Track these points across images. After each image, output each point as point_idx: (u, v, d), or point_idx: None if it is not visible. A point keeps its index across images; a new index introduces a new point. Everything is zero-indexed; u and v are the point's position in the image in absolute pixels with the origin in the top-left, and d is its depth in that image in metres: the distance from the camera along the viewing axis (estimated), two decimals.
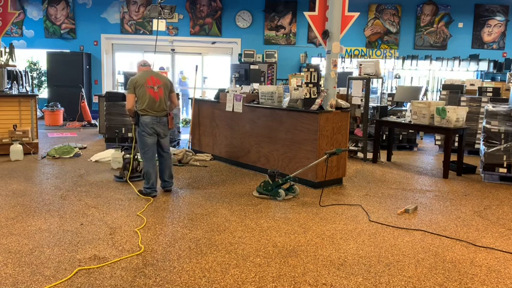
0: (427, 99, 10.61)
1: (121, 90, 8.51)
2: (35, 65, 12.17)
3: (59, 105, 10.90)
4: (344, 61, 11.27)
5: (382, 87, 8.53)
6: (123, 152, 6.31)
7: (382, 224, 4.21)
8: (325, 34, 5.65)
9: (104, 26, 12.08)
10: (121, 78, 8.77)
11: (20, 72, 7.70)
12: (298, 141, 5.53)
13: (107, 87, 12.12)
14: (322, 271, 3.17)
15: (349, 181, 5.87)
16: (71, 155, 6.95)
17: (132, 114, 4.86)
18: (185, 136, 8.62)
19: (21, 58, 11.08)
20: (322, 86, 5.74)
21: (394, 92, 9.41)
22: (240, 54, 11.47)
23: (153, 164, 4.88)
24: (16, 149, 6.60)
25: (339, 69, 8.91)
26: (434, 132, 7.39)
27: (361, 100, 7.28)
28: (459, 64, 11.32)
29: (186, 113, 12.29)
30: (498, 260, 3.45)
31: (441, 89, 8.57)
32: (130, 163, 5.45)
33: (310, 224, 4.16)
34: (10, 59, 7.63)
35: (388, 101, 8.84)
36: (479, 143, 7.60)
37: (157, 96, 4.78)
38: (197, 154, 7.08)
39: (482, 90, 7.86)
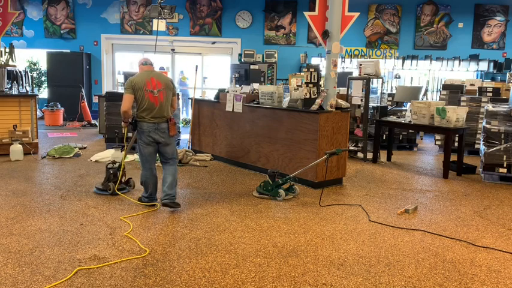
0: (427, 99, 10.61)
1: (121, 90, 8.51)
2: (35, 65, 12.17)
3: (59, 105, 10.90)
4: (344, 61, 11.27)
5: (382, 87, 8.53)
6: (123, 152, 6.31)
7: (382, 224, 4.21)
8: (325, 34, 5.64)
9: (104, 26, 12.09)
10: (121, 78, 8.77)
11: (20, 72, 7.70)
12: (298, 141, 5.53)
13: (106, 87, 12.12)
14: (322, 271, 3.17)
15: (349, 181, 5.87)
16: (71, 155, 6.95)
17: (128, 118, 4.36)
18: (185, 136, 8.62)
19: (21, 58, 11.08)
20: (322, 86, 5.74)
21: (394, 92, 9.41)
22: (240, 54, 11.47)
23: (151, 174, 4.47)
24: (16, 149, 6.60)
25: (339, 69, 8.91)
26: (434, 132, 7.39)
27: (361, 100, 7.28)
28: (459, 64, 11.33)
29: (186, 113, 12.29)
30: (498, 260, 3.45)
31: (441, 89, 8.58)
32: (115, 174, 4.91)
33: (310, 224, 4.16)
34: (10, 59, 7.63)
35: (388, 101, 8.84)
36: (479, 143, 7.60)
37: (157, 101, 4.29)
38: (197, 154, 7.09)
39: (482, 90, 7.86)
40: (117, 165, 4.98)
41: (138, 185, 4.94)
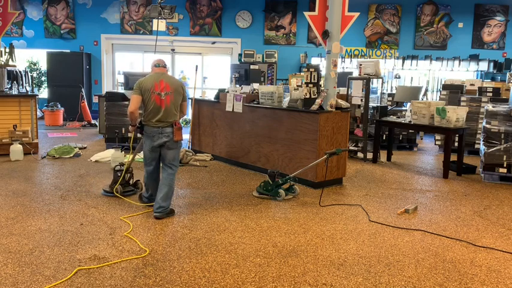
0: (427, 99, 10.61)
1: (121, 90, 8.51)
2: (35, 65, 12.17)
3: (59, 105, 10.89)
4: (344, 61, 11.27)
5: (382, 87, 8.52)
6: (123, 152, 6.31)
7: (382, 224, 4.21)
8: (325, 34, 5.64)
9: (104, 26, 12.08)
10: (121, 78, 8.76)
11: (20, 72, 7.70)
12: (298, 141, 5.53)
13: (106, 87, 12.12)
14: (322, 271, 3.17)
15: (349, 181, 5.87)
16: (71, 155, 6.95)
17: (136, 121, 4.28)
18: (185, 136, 8.61)
19: (21, 58, 11.07)
20: (322, 86, 5.74)
21: (394, 92, 9.41)
22: (240, 54, 11.47)
23: (151, 178, 4.45)
24: (16, 149, 6.59)
25: (339, 69, 8.91)
26: (434, 132, 7.39)
27: (361, 100, 7.28)
28: (459, 64, 11.32)
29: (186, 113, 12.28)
30: (498, 260, 3.45)
31: (441, 89, 8.58)
32: (121, 176, 4.85)
33: (310, 224, 4.16)
34: (10, 59, 7.63)
35: (388, 101, 8.84)
36: (479, 143, 7.60)
37: (163, 104, 4.16)
38: (197, 154, 7.09)
39: (482, 90, 7.86)
40: (124, 167, 4.93)
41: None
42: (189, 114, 11.56)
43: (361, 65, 7.34)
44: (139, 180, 5.12)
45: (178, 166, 4.47)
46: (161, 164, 4.42)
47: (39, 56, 12.11)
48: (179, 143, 4.34)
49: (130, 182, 5.01)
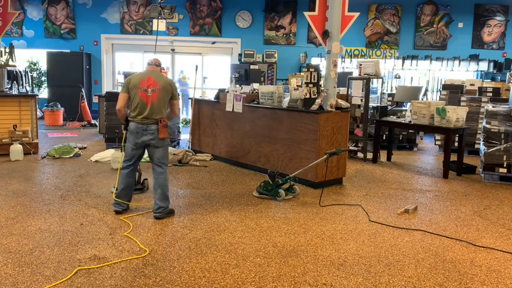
0: (427, 99, 10.61)
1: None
2: (35, 65, 12.17)
3: (59, 105, 10.90)
4: (344, 61, 11.27)
5: (382, 87, 8.53)
6: (122, 152, 6.30)
7: (382, 224, 4.21)
8: (325, 34, 5.64)
9: (104, 26, 12.09)
10: (121, 78, 8.77)
11: (20, 72, 7.70)
12: (298, 141, 5.53)
13: (106, 87, 12.13)
14: (322, 271, 3.17)
15: (349, 181, 5.87)
16: (71, 155, 6.95)
17: (123, 118, 4.28)
18: (185, 136, 8.62)
19: (21, 58, 11.07)
20: (322, 86, 5.74)
21: (394, 92, 9.41)
22: (240, 54, 11.47)
23: (124, 174, 4.32)
24: (16, 149, 6.59)
25: (339, 69, 8.91)
26: (434, 132, 7.39)
27: (361, 100, 7.28)
28: (459, 64, 11.33)
29: (186, 113, 12.29)
30: (498, 260, 3.45)
31: (441, 89, 8.58)
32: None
33: (310, 224, 4.16)
34: (10, 59, 7.63)
35: (388, 101, 8.84)
36: (479, 143, 7.60)
37: (149, 100, 4.11)
38: (197, 154, 7.09)
39: (482, 90, 7.86)
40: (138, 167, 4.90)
41: (151, 188, 4.84)
42: (189, 114, 11.58)
43: (361, 65, 7.34)
44: (146, 179, 5.15)
45: (168, 165, 4.39)
46: (151, 164, 4.34)
47: (39, 56, 12.11)
48: (166, 141, 4.27)
49: (140, 180, 5.03)
